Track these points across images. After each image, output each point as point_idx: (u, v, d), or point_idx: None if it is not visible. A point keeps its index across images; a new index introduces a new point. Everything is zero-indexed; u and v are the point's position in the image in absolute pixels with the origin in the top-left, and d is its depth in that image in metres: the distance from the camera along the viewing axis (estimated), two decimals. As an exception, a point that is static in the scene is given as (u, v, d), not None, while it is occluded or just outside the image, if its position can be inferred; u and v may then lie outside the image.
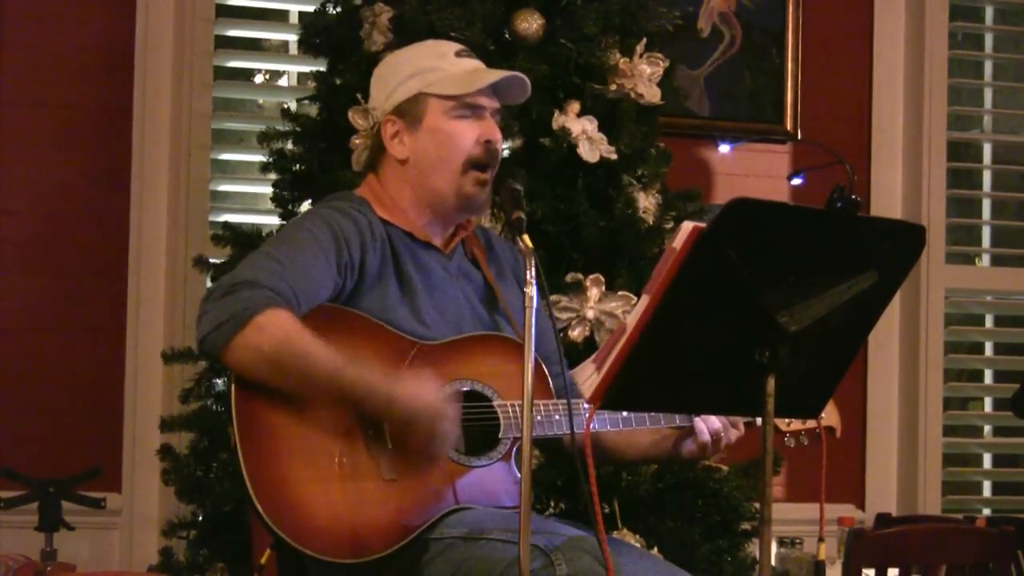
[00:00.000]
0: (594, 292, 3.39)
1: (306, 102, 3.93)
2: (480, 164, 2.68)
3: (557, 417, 2.62)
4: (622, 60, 3.56)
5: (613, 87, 3.56)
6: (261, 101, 4.73)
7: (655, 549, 3.26)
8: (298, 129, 3.72)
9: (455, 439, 2.52)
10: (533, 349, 2.28)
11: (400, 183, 2.73)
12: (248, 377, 2.45)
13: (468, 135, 2.69)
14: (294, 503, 2.42)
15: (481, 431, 2.59)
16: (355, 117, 2.96)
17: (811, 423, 2.77)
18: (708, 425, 2.70)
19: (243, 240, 3.66)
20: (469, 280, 2.78)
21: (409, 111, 2.70)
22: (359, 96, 2.94)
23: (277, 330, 2.43)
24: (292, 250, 2.54)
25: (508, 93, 2.76)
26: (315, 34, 3.79)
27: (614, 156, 3.49)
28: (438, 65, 2.71)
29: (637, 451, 2.80)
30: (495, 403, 2.61)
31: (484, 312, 2.75)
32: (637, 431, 2.73)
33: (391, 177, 2.75)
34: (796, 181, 4.34)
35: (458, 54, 2.75)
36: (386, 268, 2.65)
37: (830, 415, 2.80)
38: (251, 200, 4.55)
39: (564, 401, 2.59)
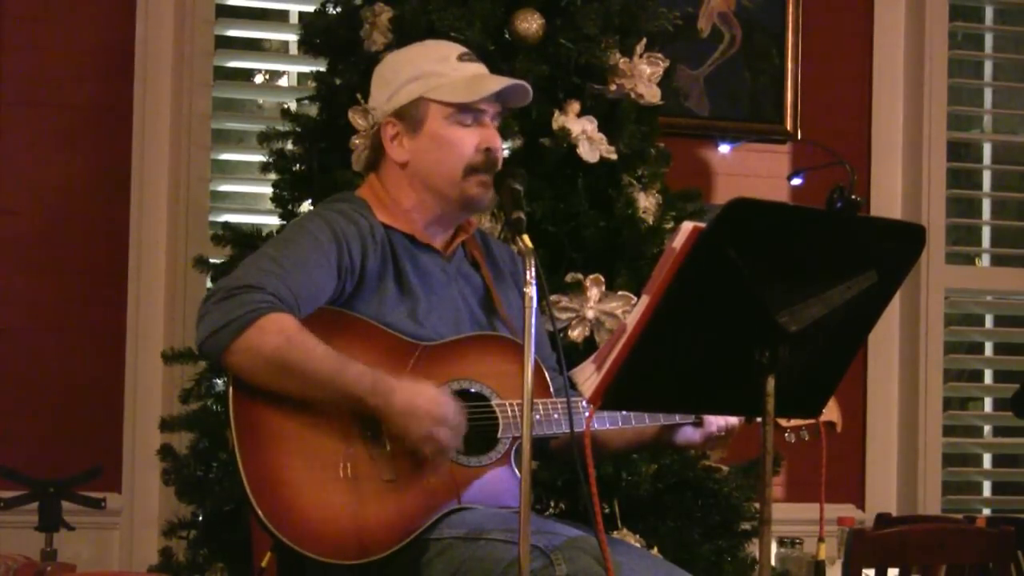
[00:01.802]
0: (594, 292, 3.39)
1: (306, 102, 3.92)
2: (480, 170, 2.68)
3: (556, 416, 2.61)
4: (622, 60, 3.56)
5: (613, 87, 3.56)
6: (261, 101, 4.73)
7: (655, 549, 3.26)
8: (298, 129, 3.72)
9: (456, 443, 2.51)
10: (533, 349, 2.28)
11: (402, 185, 2.73)
12: (249, 380, 2.45)
13: (468, 142, 2.68)
14: (293, 505, 2.42)
15: (480, 431, 2.59)
16: (355, 117, 2.96)
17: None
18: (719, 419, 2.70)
19: (243, 240, 3.66)
20: (468, 282, 2.78)
21: (410, 115, 2.70)
22: (359, 96, 2.93)
23: (278, 333, 2.43)
24: (293, 253, 2.54)
25: (509, 98, 2.76)
26: (315, 34, 3.78)
27: (614, 156, 3.49)
28: (440, 70, 2.70)
29: (623, 439, 2.78)
30: (493, 403, 2.61)
31: (482, 314, 2.75)
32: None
33: (392, 179, 2.74)
34: (796, 181, 4.32)
35: (460, 58, 2.73)
36: (385, 271, 2.65)
37: (830, 410, 2.80)
38: (251, 200, 4.54)
39: (563, 400, 2.59)
